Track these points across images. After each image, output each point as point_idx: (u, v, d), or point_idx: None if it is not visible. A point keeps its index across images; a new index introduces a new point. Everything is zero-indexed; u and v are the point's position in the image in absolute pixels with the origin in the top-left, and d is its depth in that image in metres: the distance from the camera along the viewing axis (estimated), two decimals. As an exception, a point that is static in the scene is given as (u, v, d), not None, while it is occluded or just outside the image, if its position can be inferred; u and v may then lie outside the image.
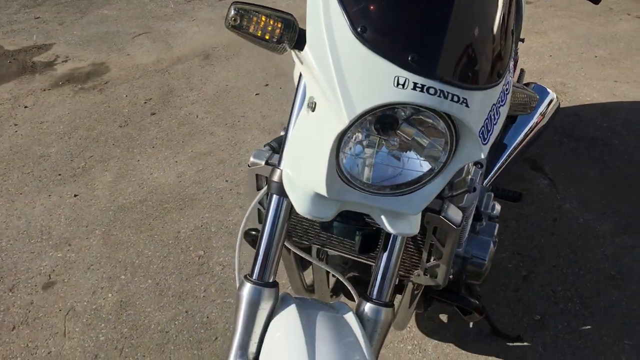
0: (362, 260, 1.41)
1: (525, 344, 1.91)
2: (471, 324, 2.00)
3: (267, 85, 3.86)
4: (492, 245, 1.44)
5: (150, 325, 2.10)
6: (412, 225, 1.08)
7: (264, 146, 1.41)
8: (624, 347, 1.90)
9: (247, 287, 1.10)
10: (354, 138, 0.97)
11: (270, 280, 1.10)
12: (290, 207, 1.12)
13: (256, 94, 3.74)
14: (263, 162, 1.30)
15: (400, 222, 1.06)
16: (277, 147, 1.39)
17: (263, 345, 1.08)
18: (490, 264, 1.42)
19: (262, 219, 1.41)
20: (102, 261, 2.39)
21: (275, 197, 1.12)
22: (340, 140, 0.94)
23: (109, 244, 2.48)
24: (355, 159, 0.99)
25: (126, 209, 2.69)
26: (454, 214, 1.24)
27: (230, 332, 2.05)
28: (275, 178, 1.11)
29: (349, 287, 1.27)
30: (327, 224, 1.20)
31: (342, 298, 1.77)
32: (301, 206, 1.04)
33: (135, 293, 2.23)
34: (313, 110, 1.00)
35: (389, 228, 1.06)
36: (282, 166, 1.11)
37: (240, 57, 4.24)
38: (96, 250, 2.44)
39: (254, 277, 1.10)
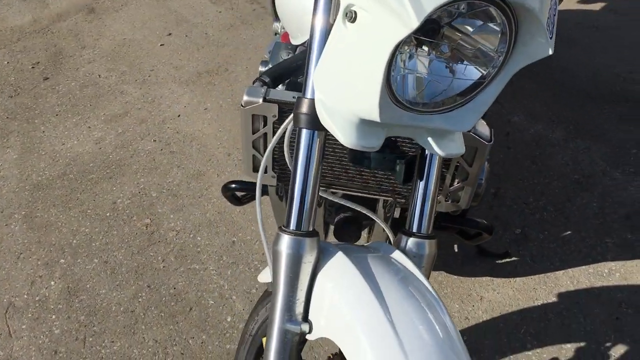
0: (364, 196, 1.32)
1: (514, 258, 1.93)
2: (456, 248, 1.99)
3: (170, 34, 3.59)
4: (486, 164, 1.40)
5: (111, 307, 1.89)
6: (458, 145, 1.00)
7: (254, 83, 1.25)
8: (606, 245, 1.98)
9: (286, 240, 0.97)
10: (404, 50, 0.86)
11: (310, 229, 0.98)
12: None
13: (161, 45, 3.47)
14: (260, 100, 1.16)
15: (447, 143, 0.99)
16: (271, 81, 1.24)
17: (312, 301, 0.97)
18: (486, 184, 1.39)
19: (257, 168, 1.27)
20: (33, 247, 2.11)
21: (305, 132, 0.98)
22: (394, 53, 0.82)
23: (34, 227, 2.20)
24: (405, 73, 0.88)
25: (44, 187, 2.39)
26: (484, 129, 1.17)
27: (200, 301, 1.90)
28: (304, 109, 0.97)
29: (385, 228, 1.17)
30: (360, 157, 1.08)
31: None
32: (347, 137, 0.91)
33: (83, 276, 2.00)
34: (353, 21, 0.86)
35: (438, 150, 0.98)
36: (308, 94, 0.97)
37: (130, 7, 3.90)
38: (21, 236, 2.16)
39: (290, 228, 0.97)
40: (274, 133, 1.21)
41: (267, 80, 1.25)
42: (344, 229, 1.58)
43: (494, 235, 1.78)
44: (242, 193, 1.65)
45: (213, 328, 1.81)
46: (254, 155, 1.26)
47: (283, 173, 1.30)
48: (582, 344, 1.63)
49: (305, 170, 0.98)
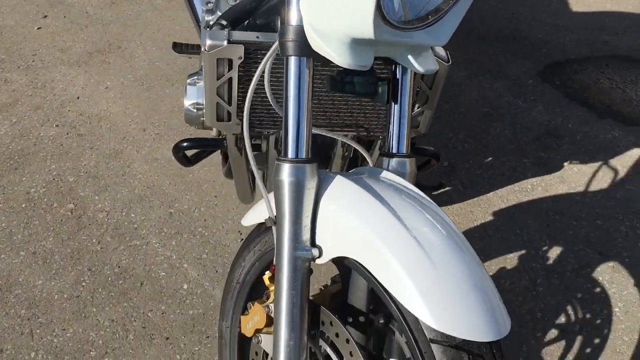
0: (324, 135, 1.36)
1: (447, 188, 2.06)
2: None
3: (45, 17, 3.37)
4: None
5: (53, 296, 1.79)
6: (433, 61, 1.08)
7: (211, 27, 1.23)
8: (525, 165, 2.17)
9: (286, 168, 0.99)
10: None
11: (309, 157, 1.00)
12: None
13: (38, 28, 3.24)
14: (225, 42, 1.15)
15: (424, 60, 1.07)
16: (229, 24, 1.23)
17: (318, 227, 0.99)
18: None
19: (221, 117, 1.26)
20: (-55, 250, 1.94)
21: (294, 60, 0.99)
22: None
23: (-58, 229, 2.01)
24: None
25: (-58, 186, 2.18)
26: (441, 51, 1.24)
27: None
28: (291, 36, 0.98)
29: (363, 152, 1.21)
30: (342, 84, 1.11)
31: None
32: (341, 57, 0.95)
33: (12, 270, 1.87)
34: None
35: (417, 66, 1.05)
36: (293, 22, 0.98)
37: (-7, -8, 3.59)
38: None
39: (289, 156, 0.99)
40: (239, 77, 1.20)
41: (225, 23, 1.23)
42: None
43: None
44: (193, 152, 1.61)
45: (170, 298, 1.77)
46: (218, 104, 1.24)
47: (250, 121, 1.29)
48: (523, 251, 1.79)
49: (298, 97, 0.99)
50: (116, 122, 2.52)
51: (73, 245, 1.95)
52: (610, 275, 1.76)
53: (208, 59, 1.17)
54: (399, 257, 0.89)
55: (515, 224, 1.90)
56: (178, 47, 2.03)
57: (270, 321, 1.09)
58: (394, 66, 1.11)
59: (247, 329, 1.12)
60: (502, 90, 2.57)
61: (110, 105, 2.62)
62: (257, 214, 1.16)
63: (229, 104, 1.24)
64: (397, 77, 1.11)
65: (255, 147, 1.55)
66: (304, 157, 1.00)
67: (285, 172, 0.99)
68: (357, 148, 1.20)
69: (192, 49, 2.03)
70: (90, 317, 1.73)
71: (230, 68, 1.19)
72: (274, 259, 1.07)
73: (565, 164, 2.12)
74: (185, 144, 1.50)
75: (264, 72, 1.07)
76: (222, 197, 2.13)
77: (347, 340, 1.00)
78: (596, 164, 2.11)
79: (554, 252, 1.82)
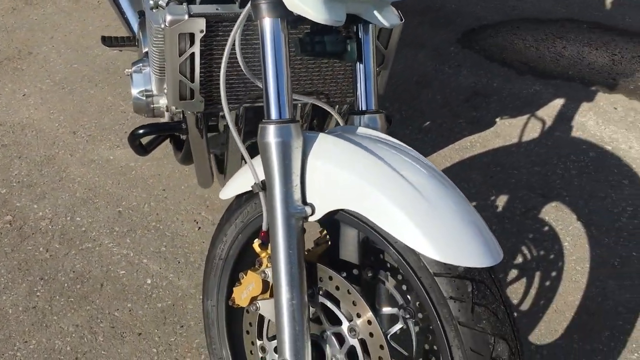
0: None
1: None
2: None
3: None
4: None
5: (7, 311, 1.70)
6: (396, 15, 1.12)
7: (167, 4, 1.21)
8: (461, 125, 2.27)
9: (272, 130, 1.00)
10: None
11: (292, 117, 1.01)
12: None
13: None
14: (186, 16, 1.14)
15: (388, 15, 1.12)
16: None
17: (307, 185, 1.01)
18: None
19: (184, 95, 1.24)
20: None
21: (269, 22, 1.00)
22: None
23: None
24: None
25: None
26: (393, 10, 1.28)
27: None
28: None
29: (333, 113, 1.23)
30: (312, 45, 1.12)
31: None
32: (318, 13, 0.97)
33: (-44, 291, 1.76)
34: None
35: (383, 21, 1.10)
36: None
37: None
38: None
39: (273, 118, 1.00)
40: (201, 51, 1.19)
41: None
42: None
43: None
44: (148, 140, 1.58)
45: (135, 294, 1.73)
46: (181, 82, 1.22)
47: (210, 97, 1.28)
48: (474, 203, 1.88)
49: (276, 58, 1.00)
50: (42, 128, 2.40)
51: (19, 257, 1.86)
52: (555, 214, 1.89)
53: (169, 34, 1.15)
54: (394, 199, 0.93)
55: (462, 179, 1.99)
56: (108, 41, 1.97)
57: (267, 287, 1.09)
58: (355, 27, 1.15)
59: (243, 299, 1.12)
60: (426, 60, 2.67)
61: (32, 112, 2.49)
62: (238, 185, 1.16)
63: (192, 81, 1.23)
64: (360, 36, 1.15)
65: (212, 129, 1.54)
66: (287, 117, 1.01)
67: (271, 133, 1.00)
68: (330, 111, 1.22)
69: (122, 42, 1.98)
70: (52, 326, 1.66)
71: (192, 43, 1.17)
72: (263, 224, 1.08)
73: (497, 119, 2.24)
74: (141, 131, 1.47)
75: (234, 42, 1.07)
76: (170, 189, 2.09)
77: (349, 291, 1.02)
78: (525, 117, 2.25)
79: (502, 200, 1.93)
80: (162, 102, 1.57)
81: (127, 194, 2.08)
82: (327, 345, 1.08)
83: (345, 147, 1.02)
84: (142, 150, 1.55)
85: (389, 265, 1.16)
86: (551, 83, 2.45)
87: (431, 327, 1.11)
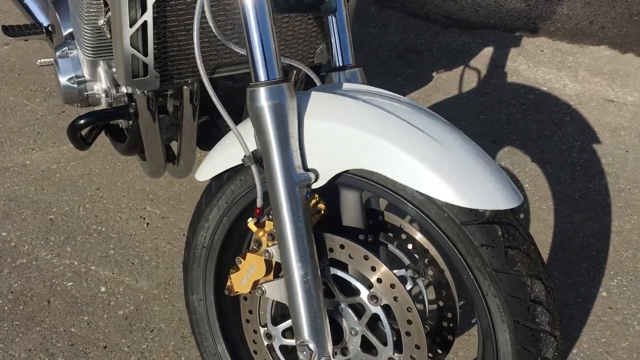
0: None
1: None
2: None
3: None
4: None
5: (-58, 348, 1.50)
6: None
7: None
8: (399, 83, 2.25)
9: (263, 92, 0.92)
10: None
11: (282, 76, 0.94)
12: None
13: None
14: None
15: None
16: None
17: (307, 150, 0.94)
18: None
19: (139, 72, 1.12)
20: None
21: None
22: None
23: None
24: None
25: None
26: None
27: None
28: None
29: (312, 75, 1.15)
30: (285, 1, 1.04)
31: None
32: None
33: None
34: None
35: None
36: None
37: None
38: None
39: (261, 80, 0.92)
40: (154, 19, 1.07)
41: None
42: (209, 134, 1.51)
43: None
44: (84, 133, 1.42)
45: (90, 305, 1.58)
46: (132, 57, 1.10)
47: (166, 72, 1.17)
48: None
49: (258, 15, 0.91)
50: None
51: (-57, 286, 1.65)
52: (510, 159, 1.92)
53: (118, 3, 1.03)
54: (409, 150, 0.88)
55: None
56: (11, 30, 1.77)
57: (270, 268, 1.02)
58: (323, -24, 1.08)
59: (243, 286, 1.03)
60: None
61: None
62: (218, 162, 1.07)
63: (145, 55, 1.11)
64: (332, -13, 1.09)
65: (160, 110, 1.41)
66: (277, 77, 0.93)
67: (263, 96, 0.91)
68: (309, 72, 1.14)
69: (28, 30, 1.78)
70: (0, 355, 1.48)
71: (144, 10, 1.05)
72: (257, 200, 1.00)
73: (434, 74, 2.24)
74: (82, 121, 1.32)
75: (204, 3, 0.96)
76: (105, 188, 1.93)
77: (366, 257, 0.97)
78: (460, 68, 2.27)
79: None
80: (97, 87, 1.43)
81: (56, 200, 1.90)
82: (343, 318, 1.02)
83: (344, 102, 0.95)
84: (84, 143, 1.40)
85: (389, 226, 1.12)
86: (477, 33, 2.49)
87: (443, 283, 1.09)
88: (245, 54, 1.01)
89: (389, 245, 1.11)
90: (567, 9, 2.57)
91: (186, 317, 1.53)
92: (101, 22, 1.24)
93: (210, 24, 0.97)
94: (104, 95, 1.41)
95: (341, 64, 1.11)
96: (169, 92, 1.33)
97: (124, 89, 1.36)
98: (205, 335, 1.20)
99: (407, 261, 1.10)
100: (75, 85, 1.40)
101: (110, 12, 1.22)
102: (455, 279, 1.05)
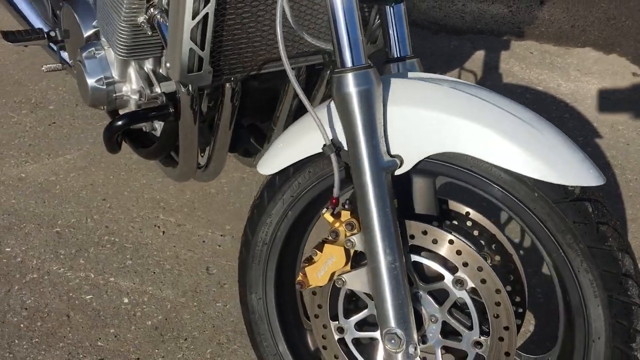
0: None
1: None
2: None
3: None
4: None
5: (-44, 371, 1.42)
6: None
7: None
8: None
9: (351, 78, 0.92)
10: None
11: (367, 63, 0.94)
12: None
13: None
14: None
15: None
16: None
17: (390, 135, 0.94)
18: None
19: (193, 66, 1.10)
20: None
21: None
22: None
23: None
24: None
25: None
26: None
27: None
28: None
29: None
30: None
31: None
32: None
33: None
34: None
35: None
36: None
37: None
38: None
39: (348, 66, 0.92)
40: (215, 12, 1.05)
41: None
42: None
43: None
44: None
45: (115, 317, 1.52)
46: (190, 50, 1.08)
47: (218, 67, 1.15)
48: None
49: (342, 2, 0.91)
50: None
51: (-53, 307, 1.55)
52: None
53: None
54: (499, 130, 0.90)
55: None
56: (11, 36, 1.70)
57: (349, 257, 1.01)
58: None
59: (320, 278, 1.02)
60: None
61: None
62: (286, 155, 1.05)
63: (202, 48, 1.09)
64: (387, -24, 1.10)
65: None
66: (364, 63, 0.93)
67: (351, 82, 0.91)
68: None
69: (29, 35, 1.72)
70: (25, 374, 1.41)
71: (206, 3, 1.03)
72: (335, 190, 0.99)
73: (432, 76, 2.29)
74: (120, 122, 1.28)
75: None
76: (112, 198, 1.87)
77: (451, 241, 0.97)
78: (455, 71, 2.32)
79: None
80: (126, 89, 1.39)
81: (60, 212, 1.82)
82: (422, 306, 1.02)
83: (426, 87, 0.97)
84: (118, 146, 1.36)
85: (453, 214, 1.13)
86: (466, 37, 2.56)
87: (511, 267, 1.10)
88: (319, 44, 1.02)
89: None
90: (547, 14, 2.68)
91: (220, 323, 1.50)
92: (141, 19, 1.21)
93: (287, 10, 0.97)
94: (135, 96, 1.37)
95: (399, 55, 1.13)
96: (206, 92, 1.31)
97: (158, 89, 1.33)
98: (264, 335, 1.18)
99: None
100: (104, 87, 1.36)
101: (151, 9, 1.20)
102: (524, 263, 1.07)
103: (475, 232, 1.11)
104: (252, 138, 1.56)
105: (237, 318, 1.52)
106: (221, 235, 1.75)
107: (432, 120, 0.92)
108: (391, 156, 0.95)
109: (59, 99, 2.30)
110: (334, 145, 0.96)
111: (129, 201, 1.85)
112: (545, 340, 1.45)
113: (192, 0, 1.02)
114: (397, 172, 0.96)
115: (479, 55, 2.44)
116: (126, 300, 1.57)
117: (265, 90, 1.50)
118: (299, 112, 1.45)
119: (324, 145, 0.97)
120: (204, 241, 1.73)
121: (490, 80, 2.26)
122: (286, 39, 1.19)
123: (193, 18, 1.04)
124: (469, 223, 1.11)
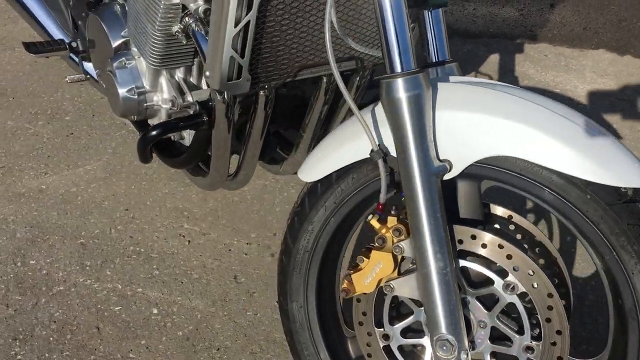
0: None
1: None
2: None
3: None
4: None
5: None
6: None
7: None
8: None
9: (401, 83, 0.92)
10: None
11: (417, 67, 0.94)
12: None
13: None
14: None
15: None
16: None
17: (439, 139, 0.94)
18: None
19: (233, 74, 1.10)
20: None
21: None
22: None
23: None
24: None
25: None
26: None
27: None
28: None
29: None
30: None
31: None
32: None
33: None
34: None
35: None
36: None
37: None
38: None
39: (397, 71, 0.92)
40: (257, 19, 1.05)
41: None
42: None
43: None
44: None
45: (145, 329, 1.51)
46: (231, 58, 1.07)
47: (256, 75, 1.14)
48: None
49: (391, 6, 0.91)
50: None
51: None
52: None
53: (227, 2, 1.00)
54: (552, 133, 0.90)
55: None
56: (33, 47, 1.70)
57: (397, 263, 1.00)
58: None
59: (366, 285, 1.02)
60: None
61: None
62: (330, 162, 1.05)
63: (242, 56, 1.09)
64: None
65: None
66: (413, 67, 0.93)
67: (401, 88, 0.91)
68: None
69: (51, 46, 1.72)
70: (58, 387, 1.40)
71: (248, 10, 1.03)
72: (381, 196, 0.99)
73: (448, 81, 2.30)
74: (155, 132, 1.28)
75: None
76: (135, 208, 1.86)
77: (500, 245, 0.97)
78: (471, 74, 2.32)
79: None
80: (157, 98, 1.39)
81: (83, 223, 1.81)
82: (470, 311, 1.02)
83: (471, 90, 0.97)
84: (150, 156, 1.35)
85: (494, 217, 1.13)
86: (479, 41, 2.57)
87: (555, 271, 1.10)
88: (363, 50, 1.01)
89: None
90: (559, 17, 2.69)
91: (252, 332, 1.50)
92: (175, 28, 1.21)
93: (333, 18, 0.97)
94: (166, 105, 1.37)
95: (438, 59, 1.13)
96: (238, 99, 1.31)
97: (190, 98, 1.33)
98: (305, 344, 1.17)
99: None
100: (135, 97, 1.36)
101: (186, 18, 1.20)
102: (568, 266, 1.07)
103: (519, 236, 1.11)
104: (278, 145, 1.56)
105: (268, 327, 1.51)
106: (247, 244, 1.75)
107: (481, 123, 0.92)
108: (440, 161, 0.95)
109: (75, 110, 2.29)
110: (382, 150, 0.96)
111: (152, 211, 1.85)
112: (580, 343, 1.44)
113: (234, 8, 1.02)
114: (446, 177, 0.96)
115: (494, 58, 2.44)
116: (155, 311, 1.56)
117: (293, 97, 1.50)
118: (328, 118, 1.45)
119: (372, 150, 0.96)
120: (230, 250, 1.73)
121: (507, 82, 2.27)
122: (321, 44, 1.19)
123: (235, 26, 1.04)
124: (511, 226, 1.11)
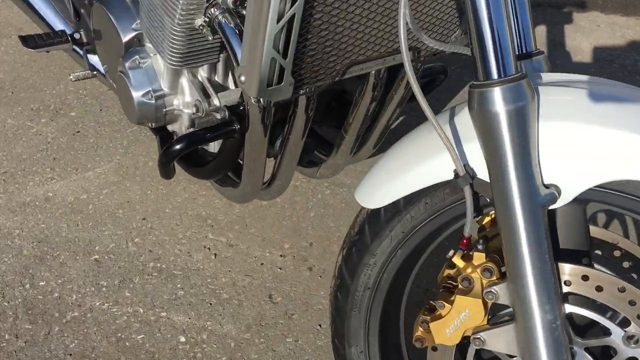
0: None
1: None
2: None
3: None
4: None
5: None
6: None
7: None
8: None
9: (499, 93, 0.74)
10: None
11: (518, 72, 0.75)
12: None
13: None
14: None
15: None
16: None
17: (543, 161, 0.76)
18: None
19: (273, 79, 0.91)
20: None
21: None
22: None
23: None
24: None
25: None
26: None
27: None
28: None
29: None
30: None
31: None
32: None
33: None
34: None
35: None
36: None
37: None
38: None
39: (494, 78, 0.73)
40: (303, 13, 0.86)
41: None
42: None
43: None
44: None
45: (170, 356, 1.35)
46: (272, 60, 0.88)
47: (300, 78, 0.95)
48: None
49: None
50: None
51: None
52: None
53: None
54: None
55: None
56: (31, 41, 1.50)
57: (487, 311, 0.82)
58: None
59: (449, 336, 0.84)
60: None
61: None
62: (398, 185, 0.86)
63: (284, 57, 0.89)
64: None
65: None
66: (514, 73, 0.73)
67: (499, 98, 0.72)
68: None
69: (51, 39, 1.52)
70: None
71: (293, 2, 0.83)
72: (465, 229, 0.81)
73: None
74: (179, 145, 1.09)
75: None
76: (152, 216, 1.68)
77: (620, 289, 0.78)
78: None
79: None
80: (177, 102, 1.20)
81: (97, 236, 1.64)
82: (577, 365, 0.84)
83: (580, 95, 0.77)
84: (173, 170, 1.17)
85: (597, 242, 0.94)
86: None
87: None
88: (438, 47, 0.82)
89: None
90: (608, -20, 2.46)
91: (297, 364, 1.33)
92: (199, 22, 1.02)
93: (407, 10, 0.77)
94: (189, 110, 1.18)
95: (524, 51, 0.93)
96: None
97: (216, 101, 1.14)
98: (368, 395, 1.00)
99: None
100: (153, 101, 1.17)
101: (212, 10, 1.00)
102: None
103: (625, 264, 0.92)
104: (316, 147, 1.38)
105: (311, 356, 1.35)
106: (281, 256, 1.57)
107: (601, 138, 0.73)
108: (546, 187, 0.76)
109: (81, 104, 2.10)
110: (469, 174, 0.78)
111: (173, 220, 1.67)
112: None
113: (277, 2, 0.82)
114: (553, 206, 0.77)
115: (541, 30, 2.23)
116: (183, 339, 1.39)
117: (330, 91, 1.32)
118: (373, 117, 1.26)
119: (457, 175, 0.78)
120: (262, 263, 1.55)
121: (559, 58, 2.06)
122: (375, 36, 1.00)
123: (277, 22, 0.84)
124: (616, 253, 0.93)
